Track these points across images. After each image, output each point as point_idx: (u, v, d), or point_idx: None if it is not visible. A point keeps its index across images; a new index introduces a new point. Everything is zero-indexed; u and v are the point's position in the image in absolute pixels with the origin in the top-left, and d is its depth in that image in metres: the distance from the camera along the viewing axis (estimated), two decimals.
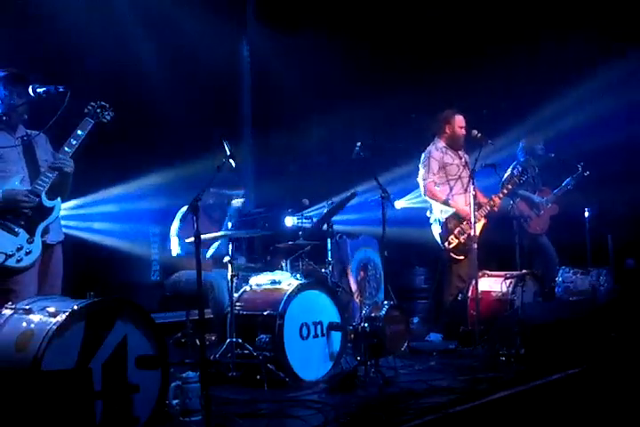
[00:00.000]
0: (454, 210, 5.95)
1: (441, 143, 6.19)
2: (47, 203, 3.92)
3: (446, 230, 5.96)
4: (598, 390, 4.42)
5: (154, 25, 6.45)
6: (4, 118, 3.97)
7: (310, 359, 4.44)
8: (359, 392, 4.03)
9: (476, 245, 5.61)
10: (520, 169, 6.52)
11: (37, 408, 2.47)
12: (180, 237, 5.18)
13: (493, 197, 6.08)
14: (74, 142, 3.97)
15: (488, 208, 6.03)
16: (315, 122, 7.98)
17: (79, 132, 3.99)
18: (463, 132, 6.11)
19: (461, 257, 5.92)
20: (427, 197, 6.07)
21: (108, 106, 4.12)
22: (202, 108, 6.91)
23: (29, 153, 4.02)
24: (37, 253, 3.84)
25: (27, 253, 3.78)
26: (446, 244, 5.93)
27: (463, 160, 6.13)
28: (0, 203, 3.74)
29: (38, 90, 3.87)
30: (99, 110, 4.07)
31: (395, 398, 3.81)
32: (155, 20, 6.48)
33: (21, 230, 3.80)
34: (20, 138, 4.02)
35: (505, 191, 6.13)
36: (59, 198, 3.99)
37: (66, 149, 3.96)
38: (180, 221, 5.26)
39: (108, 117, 4.13)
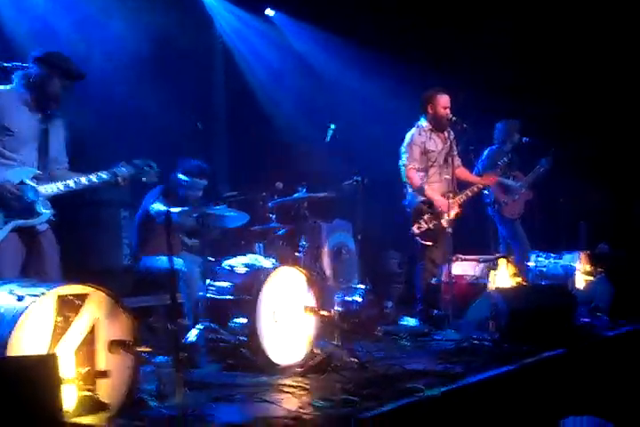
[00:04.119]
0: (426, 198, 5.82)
1: (426, 125, 5.96)
2: (40, 209, 3.62)
3: (417, 214, 5.83)
4: (572, 374, 4.47)
5: None
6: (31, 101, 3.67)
7: (284, 344, 4.41)
8: (333, 376, 4.01)
9: (450, 230, 5.60)
10: (506, 161, 6.34)
11: (4, 395, 2.41)
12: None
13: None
14: (86, 183, 3.71)
15: (476, 189, 5.98)
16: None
17: (94, 179, 3.71)
18: (447, 112, 5.83)
19: (429, 243, 5.78)
20: (406, 181, 5.96)
21: (157, 169, 3.82)
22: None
23: (45, 139, 3.69)
24: None
25: None
26: (415, 228, 5.76)
27: (447, 144, 5.89)
28: None
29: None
30: (147, 168, 3.78)
31: (369, 382, 3.80)
32: None
33: None
34: (41, 117, 3.70)
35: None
36: (50, 211, 3.68)
37: (71, 184, 3.68)
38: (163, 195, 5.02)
39: (150, 179, 3.84)
